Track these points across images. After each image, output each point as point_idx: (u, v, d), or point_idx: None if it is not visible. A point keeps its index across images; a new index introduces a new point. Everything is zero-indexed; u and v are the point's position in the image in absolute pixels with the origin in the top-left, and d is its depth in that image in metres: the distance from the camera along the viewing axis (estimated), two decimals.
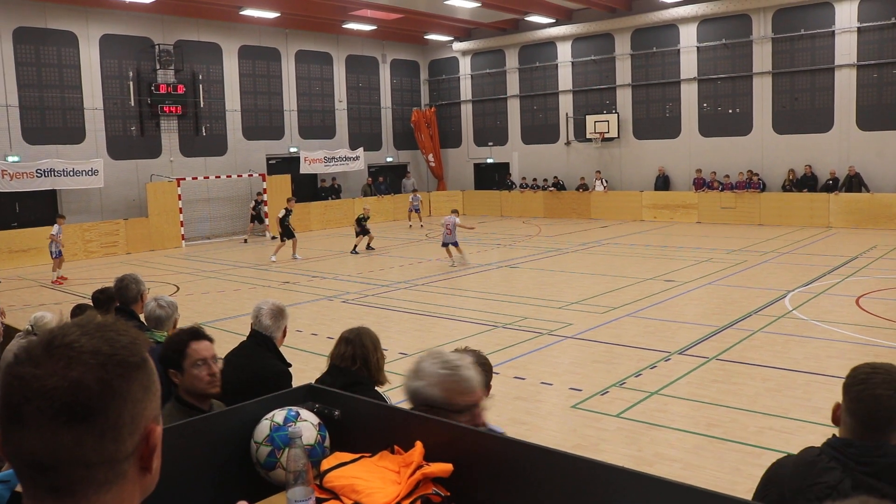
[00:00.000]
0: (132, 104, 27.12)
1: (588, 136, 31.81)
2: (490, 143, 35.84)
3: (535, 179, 33.28)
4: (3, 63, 24.35)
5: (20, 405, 1.26)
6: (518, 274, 18.59)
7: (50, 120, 25.61)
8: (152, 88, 27.23)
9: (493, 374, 4.48)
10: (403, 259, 21.66)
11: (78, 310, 7.12)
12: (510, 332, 12.43)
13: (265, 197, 28.97)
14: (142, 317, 5.90)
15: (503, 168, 35.47)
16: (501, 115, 35.39)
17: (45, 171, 24.47)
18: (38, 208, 24.97)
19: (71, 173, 24.94)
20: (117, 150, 27.04)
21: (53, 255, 19.91)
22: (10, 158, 24.41)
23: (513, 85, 34.65)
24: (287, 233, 22.15)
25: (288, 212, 22.34)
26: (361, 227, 22.97)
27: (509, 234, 26.82)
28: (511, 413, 8.55)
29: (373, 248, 23.54)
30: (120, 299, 6.13)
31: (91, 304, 6.94)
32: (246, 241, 27.18)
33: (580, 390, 9.24)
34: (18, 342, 6.99)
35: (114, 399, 1.29)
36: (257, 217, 28.77)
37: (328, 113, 33.70)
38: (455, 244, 19.98)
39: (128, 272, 6.39)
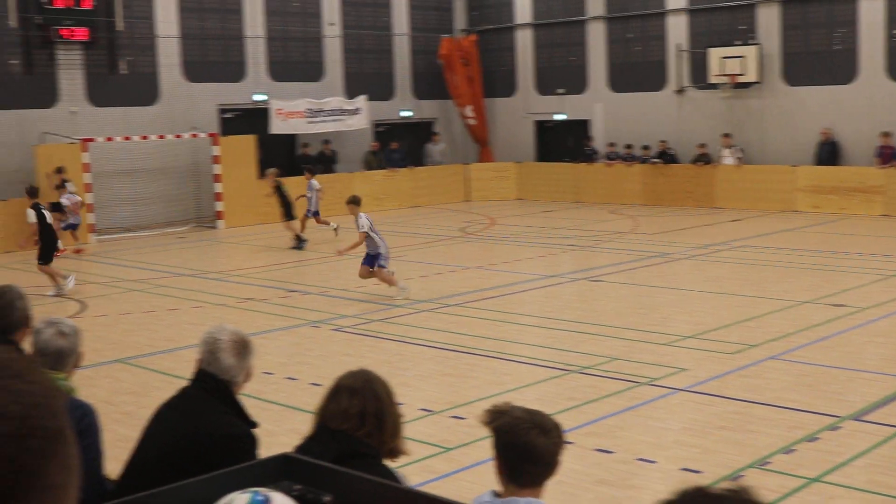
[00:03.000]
0: (12, 24, 27.46)
1: (712, 79, 31.65)
2: (560, 91, 35.77)
3: (629, 147, 33.17)
4: None
5: None
6: (602, 291, 18.47)
7: None
8: (43, 1, 27.55)
9: (564, 445, 4.46)
10: (427, 266, 21.70)
11: None
12: (590, 380, 12.37)
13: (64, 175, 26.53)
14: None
15: (580, 128, 35.37)
16: (578, 48, 35.30)
17: None
18: None
19: None
20: None
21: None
22: None
23: (596, 0, 34.59)
24: None
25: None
26: None
27: (589, 230, 26.76)
28: None
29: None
30: None
31: None
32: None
33: (698, 472, 9.16)
34: None
35: (28, 487, 1.30)
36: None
37: (313, 42, 33.84)
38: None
39: (5, 283, 6.45)
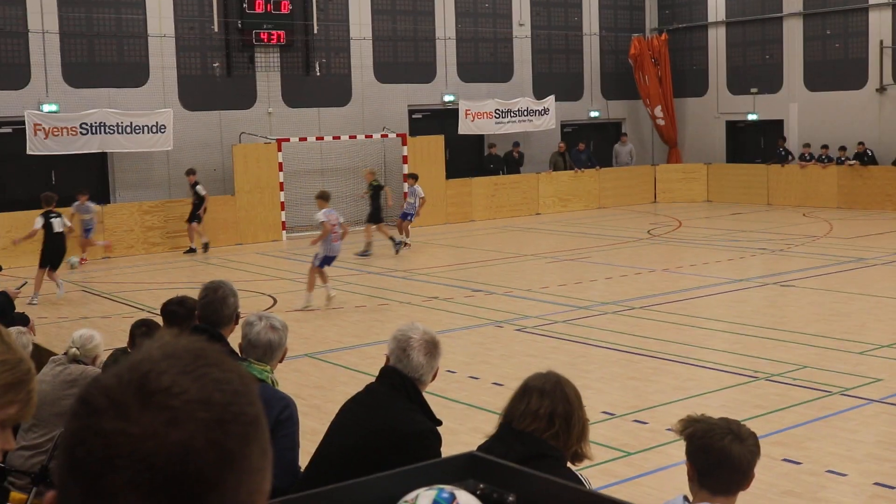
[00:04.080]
0: (215, 29, 28.49)
1: None
2: (754, 91, 35.11)
3: (825, 147, 32.31)
4: None
5: (103, 474, 1.33)
6: (793, 297, 18.10)
7: (99, 51, 27.29)
8: (244, 6, 28.51)
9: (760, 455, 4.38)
10: (613, 268, 21.63)
11: (144, 327, 7.64)
12: (779, 388, 12.13)
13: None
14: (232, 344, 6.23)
15: (774, 129, 34.64)
16: (773, 46, 34.56)
17: (92, 127, 26.09)
18: (80, 179, 26.43)
19: (127, 129, 26.52)
20: (193, 97, 28.48)
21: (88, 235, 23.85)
22: (46, 107, 26.13)
23: None
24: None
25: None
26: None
27: (780, 234, 26.18)
28: None
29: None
30: (206, 316, 6.45)
31: (161, 319, 7.47)
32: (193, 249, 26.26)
33: (892, 487, 8.92)
34: (56, 372, 7.56)
35: (231, 470, 1.36)
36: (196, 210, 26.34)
37: (502, 43, 34.03)
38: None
39: (218, 279, 6.72)
